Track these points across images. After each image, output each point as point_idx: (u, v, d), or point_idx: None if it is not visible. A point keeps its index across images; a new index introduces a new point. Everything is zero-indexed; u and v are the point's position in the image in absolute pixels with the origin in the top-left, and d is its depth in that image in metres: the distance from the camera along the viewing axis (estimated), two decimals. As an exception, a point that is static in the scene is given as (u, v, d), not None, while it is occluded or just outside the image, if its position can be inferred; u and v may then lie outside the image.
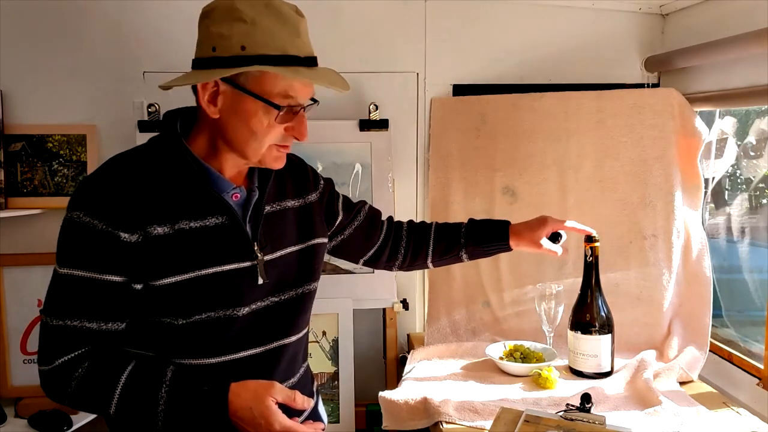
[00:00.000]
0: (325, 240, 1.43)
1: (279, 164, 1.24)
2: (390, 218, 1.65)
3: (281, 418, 1.14)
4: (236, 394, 1.14)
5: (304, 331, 1.36)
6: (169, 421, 1.13)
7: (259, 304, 1.24)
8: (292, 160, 1.43)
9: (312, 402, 1.22)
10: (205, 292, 1.17)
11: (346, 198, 1.55)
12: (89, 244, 1.12)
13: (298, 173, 1.40)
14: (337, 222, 1.50)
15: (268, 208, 1.29)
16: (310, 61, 1.18)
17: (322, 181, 1.47)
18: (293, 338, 1.31)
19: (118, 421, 1.21)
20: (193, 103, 1.23)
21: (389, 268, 1.64)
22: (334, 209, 1.49)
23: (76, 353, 1.14)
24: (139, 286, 1.15)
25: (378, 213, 1.61)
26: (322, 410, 1.46)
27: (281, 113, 1.16)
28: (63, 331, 1.13)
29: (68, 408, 1.91)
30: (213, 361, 1.20)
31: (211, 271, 1.18)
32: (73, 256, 1.13)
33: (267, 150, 1.20)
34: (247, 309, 1.22)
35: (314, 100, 1.23)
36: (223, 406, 1.13)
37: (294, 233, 1.33)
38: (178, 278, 1.15)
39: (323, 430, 1.45)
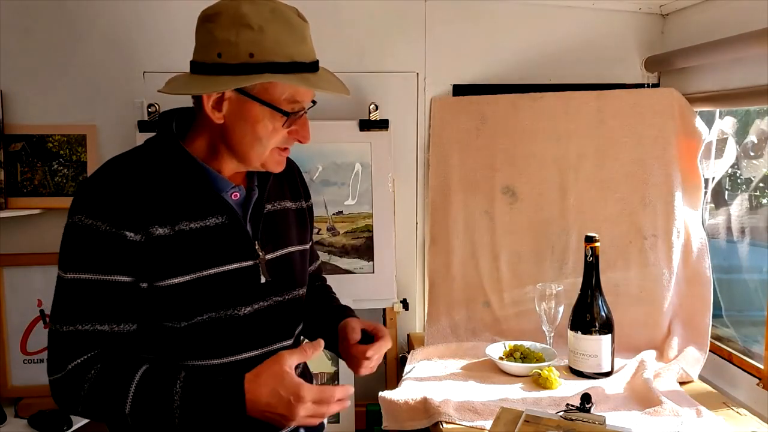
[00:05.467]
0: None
1: (280, 167, 1.23)
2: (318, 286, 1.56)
3: (308, 387, 1.08)
4: (253, 381, 1.08)
5: (296, 333, 1.35)
6: (186, 416, 1.08)
7: (261, 303, 1.24)
8: (290, 164, 1.42)
9: (321, 342, 1.17)
10: (207, 292, 1.17)
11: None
12: (94, 246, 1.11)
13: (293, 178, 1.41)
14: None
15: (268, 206, 1.29)
16: (314, 66, 1.18)
17: (310, 201, 1.46)
18: (291, 341, 1.31)
19: (133, 421, 1.13)
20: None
21: None
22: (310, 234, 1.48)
23: (88, 355, 1.11)
24: (145, 285, 1.14)
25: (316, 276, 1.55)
26: None
27: (288, 118, 1.16)
28: (74, 336, 1.11)
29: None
30: (215, 362, 1.19)
31: (213, 271, 1.17)
32: (78, 260, 1.12)
33: (270, 153, 1.20)
34: (248, 308, 1.21)
35: (313, 102, 1.23)
36: (240, 394, 1.07)
37: (294, 233, 1.34)
38: (180, 280, 1.15)
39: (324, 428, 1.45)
